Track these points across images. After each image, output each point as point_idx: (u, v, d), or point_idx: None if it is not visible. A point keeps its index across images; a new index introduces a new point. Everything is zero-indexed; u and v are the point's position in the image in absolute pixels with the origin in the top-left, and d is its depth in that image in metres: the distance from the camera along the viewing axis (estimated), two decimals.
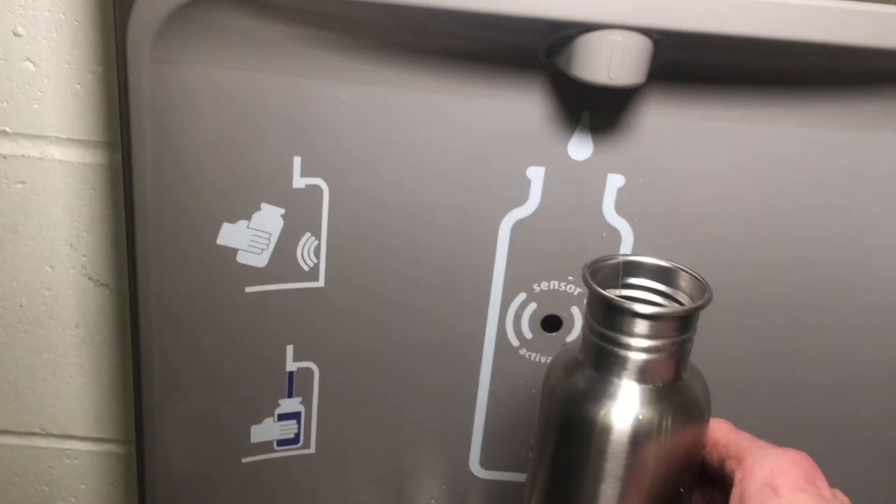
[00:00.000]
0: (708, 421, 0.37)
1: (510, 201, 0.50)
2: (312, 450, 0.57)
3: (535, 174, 0.49)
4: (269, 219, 0.49)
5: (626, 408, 0.35)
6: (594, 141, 0.48)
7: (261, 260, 0.49)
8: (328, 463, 0.57)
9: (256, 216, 0.48)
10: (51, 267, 0.59)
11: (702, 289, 0.36)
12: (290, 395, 0.54)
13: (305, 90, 0.45)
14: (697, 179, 0.49)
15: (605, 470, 0.35)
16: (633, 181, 0.49)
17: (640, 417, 0.35)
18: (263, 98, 0.45)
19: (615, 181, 0.49)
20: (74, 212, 0.57)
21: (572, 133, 0.48)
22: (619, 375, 0.35)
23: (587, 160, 0.49)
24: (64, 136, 0.55)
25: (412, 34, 0.45)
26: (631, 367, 0.35)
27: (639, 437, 0.35)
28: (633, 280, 0.38)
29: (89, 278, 0.60)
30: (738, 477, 0.35)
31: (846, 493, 0.36)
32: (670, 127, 0.48)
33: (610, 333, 0.35)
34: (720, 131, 0.48)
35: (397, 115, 0.47)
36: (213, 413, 0.53)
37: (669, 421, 0.35)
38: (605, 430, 0.35)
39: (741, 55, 0.44)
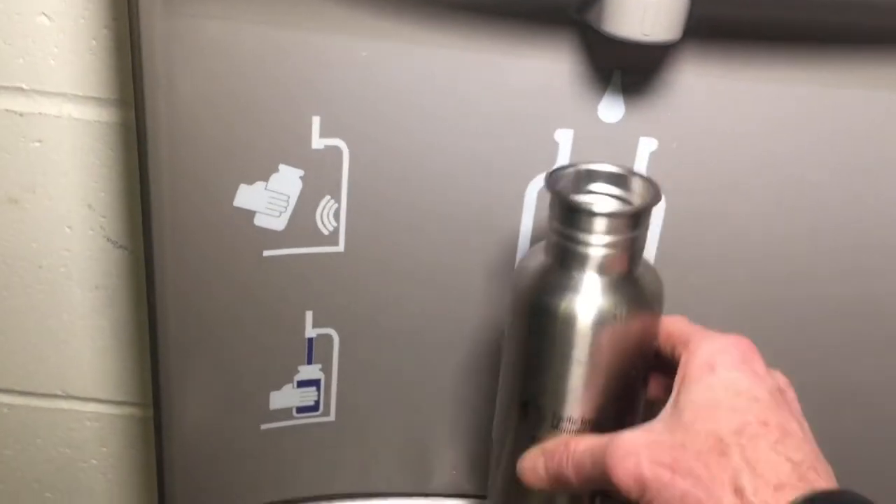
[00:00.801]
0: (659, 312, 0.41)
1: (537, 165, 0.48)
2: (332, 417, 0.56)
3: (564, 137, 0.47)
4: (288, 181, 0.47)
5: (586, 298, 0.39)
6: (626, 102, 0.46)
7: (279, 223, 0.48)
8: (348, 431, 0.56)
9: (274, 178, 0.47)
10: (69, 228, 0.58)
11: (652, 189, 0.40)
12: (309, 362, 0.53)
13: (323, 46, 0.43)
14: (734, 143, 0.47)
15: (569, 356, 0.40)
16: (666, 145, 0.47)
17: (599, 305, 0.39)
18: (279, 54, 0.43)
19: (648, 144, 0.47)
20: (92, 171, 0.56)
21: (603, 94, 0.46)
22: (579, 270, 0.39)
23: (618, 122, 0.47)
24: (80, 94, 0.54)
25: None
26: (590, 262, 0.39)
27: (596, 323, 0.39)
28: (591, 186, 0.42)
29: (108, 240, 0.59)
30: (683, 359, 0.39)
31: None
32: (706, 87, 0.45)
33: (571, 232, 0.39)
34: (758, 92, 0.45)
35: (420, 73, 0.45)
36: (231, 378, 0.53)
37: (624, 308, 0.39)
38: (569, 318, 0.39)
39: (782, 10, 0.42)
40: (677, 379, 0.38)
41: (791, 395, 0.39)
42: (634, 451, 0.36)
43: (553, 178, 0.41)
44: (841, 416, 0.52)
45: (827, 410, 0.51)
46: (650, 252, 0.50)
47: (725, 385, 0.37)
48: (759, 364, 0.38)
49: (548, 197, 0.48)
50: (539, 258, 0.41)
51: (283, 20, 0.42)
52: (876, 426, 0.54)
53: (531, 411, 0.42)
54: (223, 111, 0.44)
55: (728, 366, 0.37)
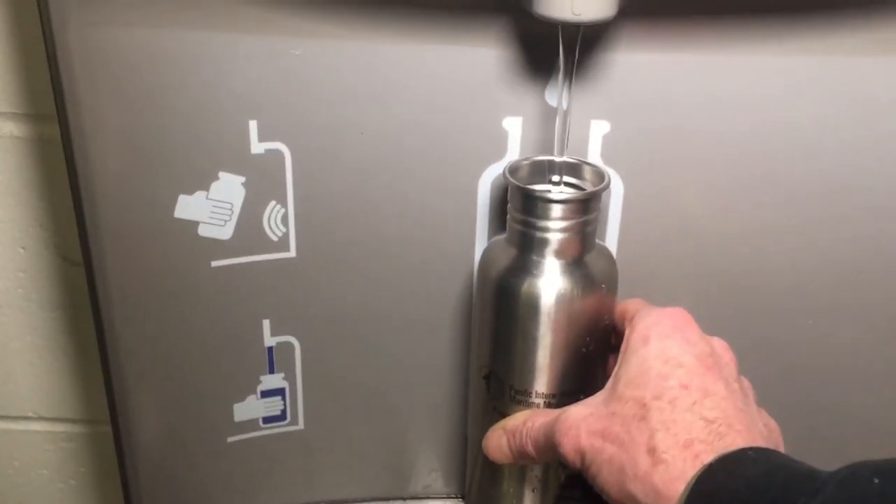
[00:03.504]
0: (613, 292, 0.45)
1: (487, 156, 0.47)
2: (301, 426, 0.54)
3: (512, 125, 0.46)
4: (229, 188, 0.46)
5: (544, 280, 0.43)
6: (573, 86, 0.44)
7: (224, 232, 0.47)
8: (319, 439, 0.55)
9: (215, 186, 0.45)
10: (23, 248, 0.57)
11: (602, 176, 0.43)
12: (271, 371, 0.52)
13: (252, 47, 0.42)
14: (688, 120, 0.45)
15: (527, 332, 0.43)
16: (618, 126, 0.46)
17: (555, 286, 0.43)
18: (206, 59, 0.42)
19: (600, 127, 0.46)
20: (40, 190, 0.55)
21: (548, 79, 0.45)
22: (538, 254, 0.43)
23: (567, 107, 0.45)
24: (20, 112, 0.52)
25: None
26: (547, 246, 0.43)
27: (553, 302, 0.42)
28: (548, 177, 0.45)
29: (63, 258, 0.57)
30: (626, 334, 0.41)
31: None
32: (653, 65, 0.44)
33: (527, 218, 0.42)
34: (708, 66, 0.44)
35: (356, 69, 0.44)
36: (191, 392, 0.51)
37: (579, 288, 0.43)
38: (529, 298, 0.43)
39: None
40: (620, 353, 0.40)
41: (727, 358, 0.40)
42: (576, 424, 0.38)
43: (511, 170, 0.44)
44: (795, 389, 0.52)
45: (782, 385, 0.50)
46: (612, 235, 0.48)
47: (656, 354, 0.38)
48: (692, 331, 0.40)
49: (501, 187, 0.48)
50: (501, 244, 0.45)
51: (203, 23, 0.40)
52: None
53: (493, 384, 0.46)
54: (152, 121, 0.43)
55: (660, 336, 0.39)
